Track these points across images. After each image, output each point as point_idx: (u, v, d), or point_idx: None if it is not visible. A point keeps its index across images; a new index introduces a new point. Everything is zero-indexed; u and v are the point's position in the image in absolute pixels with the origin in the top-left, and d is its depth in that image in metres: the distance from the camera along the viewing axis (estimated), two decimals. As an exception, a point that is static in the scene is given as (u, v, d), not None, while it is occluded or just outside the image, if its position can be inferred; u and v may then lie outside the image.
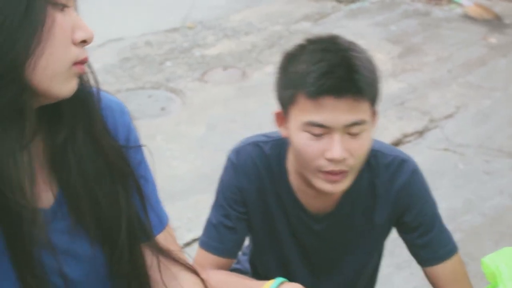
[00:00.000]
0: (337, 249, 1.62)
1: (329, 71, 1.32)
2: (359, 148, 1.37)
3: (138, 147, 1.11)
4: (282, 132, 1.48)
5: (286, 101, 1.41)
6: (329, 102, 1.32)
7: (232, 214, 1.56)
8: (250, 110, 4.17)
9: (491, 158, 3.67)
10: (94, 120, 0.99)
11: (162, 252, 1.11)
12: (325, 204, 1.55)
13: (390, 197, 1.54)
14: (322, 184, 1.40)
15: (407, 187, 1.53)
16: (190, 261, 1.21)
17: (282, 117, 1.46)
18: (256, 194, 1.56)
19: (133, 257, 1.05)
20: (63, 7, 0.87)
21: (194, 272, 1.17)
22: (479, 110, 4.23)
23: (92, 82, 0.99)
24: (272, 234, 1.62)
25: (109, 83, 4.50)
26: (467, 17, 5.82)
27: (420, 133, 3.93)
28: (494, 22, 5.73)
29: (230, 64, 5.04)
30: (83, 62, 0.92)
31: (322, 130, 1.34)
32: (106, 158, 1.00)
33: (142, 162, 1.12)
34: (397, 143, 3.79)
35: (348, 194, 1.52)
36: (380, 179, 1.53)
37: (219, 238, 1.58)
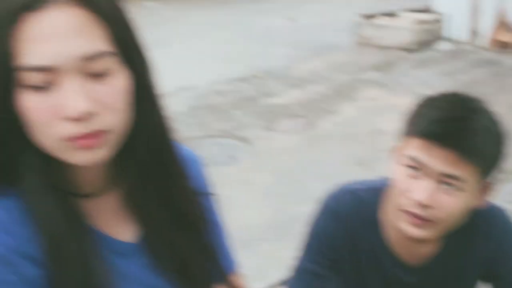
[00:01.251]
0: None
1: (444, 119, 1.36)
2: (447, 203, 1.37)
3: (209, 194, 1.15)
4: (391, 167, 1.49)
5: (403, 137, 1.45)
6: (434, 146, 1.34)
7: (322, 261, 1.56)
8: (317, 159, 4.18)
9: None
10: (171, 166, 1.03)
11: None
12: (419, 256, 1.53)
13: (484, 253, 1.53)
14: (403, 224, 1.41)
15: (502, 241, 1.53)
16: None
17: (397, 151, 1.48)
18: (349, 244, 1.55)
19: None
20: (40, 88, 0.84)
21: None
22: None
23: (167, 128, 1.02)
24: (361, 283, 1.60)
25: (179, 131, 4.61)
26: (539, 66, 5.72)
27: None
28: None
29: (297, 113, 5.09)
30: (81, 137, 0.86)
31: (419, 169, 1.37)
32: (181, 202, 1.04)
33: (212, 208, 1.16)
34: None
35: (445, 247, 1.52)
36: (478, 237, 1.53)
37: (307, 284, 1.58)
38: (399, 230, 1.45)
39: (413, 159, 1.38)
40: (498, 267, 1.54)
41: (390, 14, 7.59)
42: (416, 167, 1.38)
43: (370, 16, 7.53)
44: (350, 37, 7.28)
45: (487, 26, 6.75)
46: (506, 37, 6.47)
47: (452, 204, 1.38)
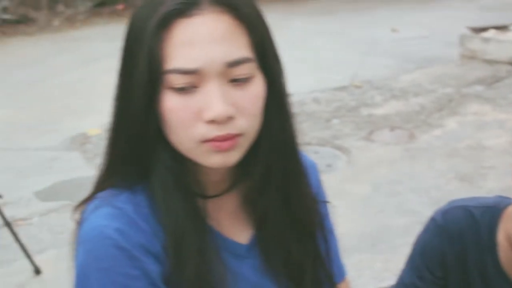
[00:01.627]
0: None
1: None
2: None
3: (325, 202, 1.16)
4: None
5: None
6: None
7: (427, 277, 1.53)
8: (417, 172, 4.10)
9: None
10: (294, 171, 1.05)
11: None
12: None
13: None
14: None
15: None
16: None
17: None
18: (457, 260, 1.51)
19: None
20: (184, 90, 0.88)
21: None
22: None
23: (295, 134, 1.03)
24: None
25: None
26: None
27: None
28: None
29: (397, 125, 5.01)
30: (217, 139, 0.89)
31: None
32: (299, 208, 1.05)
33: (327, 215, 1.17)
34: None
35: None
36: None
37: None
38: None
39: None
40: None
41: (501, 28, 7.32)
42: None
43: (478, 29, 7.29)
44: (455, 50, 7.08)
45: None
46: None
47: None
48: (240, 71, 0.89)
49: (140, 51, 0.88)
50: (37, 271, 3.25)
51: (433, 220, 1.55)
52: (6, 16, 10.62)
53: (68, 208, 3.95)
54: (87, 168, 4.54)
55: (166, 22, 0.86)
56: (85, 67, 7.65)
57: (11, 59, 8.48)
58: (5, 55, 8.78)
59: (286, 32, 8.60)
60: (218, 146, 0.90)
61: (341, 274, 1.22)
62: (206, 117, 0.87)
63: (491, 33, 7.09)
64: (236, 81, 0.90)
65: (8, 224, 2.79)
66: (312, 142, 4.74)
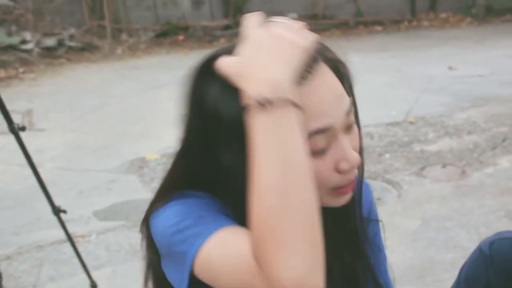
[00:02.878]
0: None
1: None
2: None
3: (377, 221, 1.26)
4: None
5: None
6: None
7: None
8: (467, 210, 4.11)
9: None
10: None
11: None
12: None
13: None
14: None
15: None
16: None
17: None
18: None
19: None
20: (323, 152, 0.93)
21: None
22: None
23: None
24: None
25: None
26: None
27: None
28: None
29: (449, 162, 5.03)
30: (346, 187, 0.96)
31: None
32: (353, 224, 1.15)
33: (378, 233, 1.27)
34: None
35: None
36: None
37: None
38: None
39: None
40: None
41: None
42: None
43: (536, 69, 7.25)
44: (512, 89, 7.06)
45: None
46: None
47: None
48: (351, 117, 0.97)
49: None
50: (94, 286, 3.40)
51: (479, 249, 1.58)
52: (72, 44, 11.06)
53: (124, 228, 4.13)
54: (144, 191, 4.72)
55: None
56: (145, 95, 7.90)
57: (77, 85, 8.83)
58: (70, 80, 9.15)
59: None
60: (345, 191, 0.98)
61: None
62: (343, 168, 0.94)
63: (549, 74, 7.04)
64: (349, 128, 0.97)
65: (70, 239, 2.95)
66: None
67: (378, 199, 4.45)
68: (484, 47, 10.38)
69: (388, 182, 4.71)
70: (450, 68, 8.73)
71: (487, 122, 5.95)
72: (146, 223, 1.06)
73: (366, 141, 5.49)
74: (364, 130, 5.77)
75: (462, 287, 1.60)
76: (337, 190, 0.97)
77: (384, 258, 1.30)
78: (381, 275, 1.25)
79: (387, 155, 5.21)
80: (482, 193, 4.32)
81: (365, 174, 4.16)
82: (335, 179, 0.95)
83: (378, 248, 1.25)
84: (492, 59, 9.24)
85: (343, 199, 0.99)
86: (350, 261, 1.16)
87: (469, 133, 5.69)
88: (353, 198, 1.10)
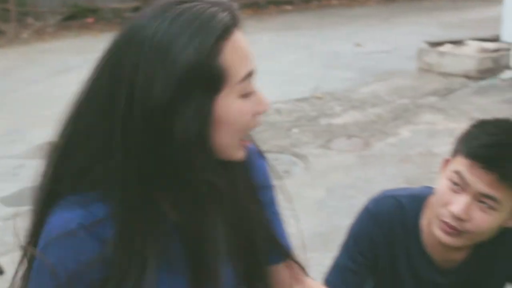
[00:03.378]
0: None
1: (490, 144, 1.47)
2: (480, 219, 1.48)
3: (271, 187, 1.31)
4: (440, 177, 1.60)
5: (452, 153, 1.56)
6: (478, 167, 1.46)
7: (359, 259, 1.65)
8: (370, 178, 4.30)
9: None
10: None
11: (301, 268, 1.28)
12: (451, 261, 1.63)
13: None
14: (437, 231, 1.52)
15: None
16: None
17: (445, 165, 1.59)
18: (386, 246, 1.64)
19: (267, 275, 1.24)
20: (249, 95, 1.05)
21: None
22: None
23: None
24: (395, 282, 1.69)
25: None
26: None
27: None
28: None
29: (354, 134, 5.22)
30: (247, 141, 1.09)
31: (460, 185, 1.48)
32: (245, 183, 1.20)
33: (273, 200, 1.32)
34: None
35: (474, 254, 1.62)
36: (505, 247, 1.63)
37: (343, 279, 1.68)
38: (435, 236, 1.56)
39: (457, 175, 1.48)
40: None
41: (457, 42, 7.61)
42: (458, 183, 1.48)
43: (436, 44, 7.57)
44: (414, 64, 7.35)
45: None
46: None
47: (484, 220, 1.48)
48: None
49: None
50: (1, 272, 3.35)
51: (365, 208, 1.69)
52: (-26, 29, 10.63)
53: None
54: (53, 175, 4.65)
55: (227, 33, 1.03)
56: (54, 79, 7.72)
57: (-20, 70, 8.51)
58: (-27, 66, 8.81)
59: (254, 46, 8.76)
60: (246, 143, 1.09)
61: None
62: (261, 109, 1.07)
63: (447, 48, 7.37)
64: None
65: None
66: (272, 150, 4.91)
67: (286, 172, 4.57)
68: (390, 24, 10.73)
69: (296, 155, 4.84)
70: (357, 45, 8.98)
71: (390, 95, 6.19)
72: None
73: (274, 117, 5.61)
74: (272, 106, 5.89)
75: (350, 243, 1.70)
76: (243, 141, 1.07)
77: (280, 222, 1.35)
78: (278, 235, 1.30)
79: (295, 130, 5.34)
80: (384, 161, 4.52)
81: (274, 149, 4.26)
82: (253, 122, 1.07)
83: (274, 214, 1.30)
84: (397, 36, 9.57)
85: (243, 153, 1.08)
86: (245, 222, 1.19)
87: (373, 105, 5.90)
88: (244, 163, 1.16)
